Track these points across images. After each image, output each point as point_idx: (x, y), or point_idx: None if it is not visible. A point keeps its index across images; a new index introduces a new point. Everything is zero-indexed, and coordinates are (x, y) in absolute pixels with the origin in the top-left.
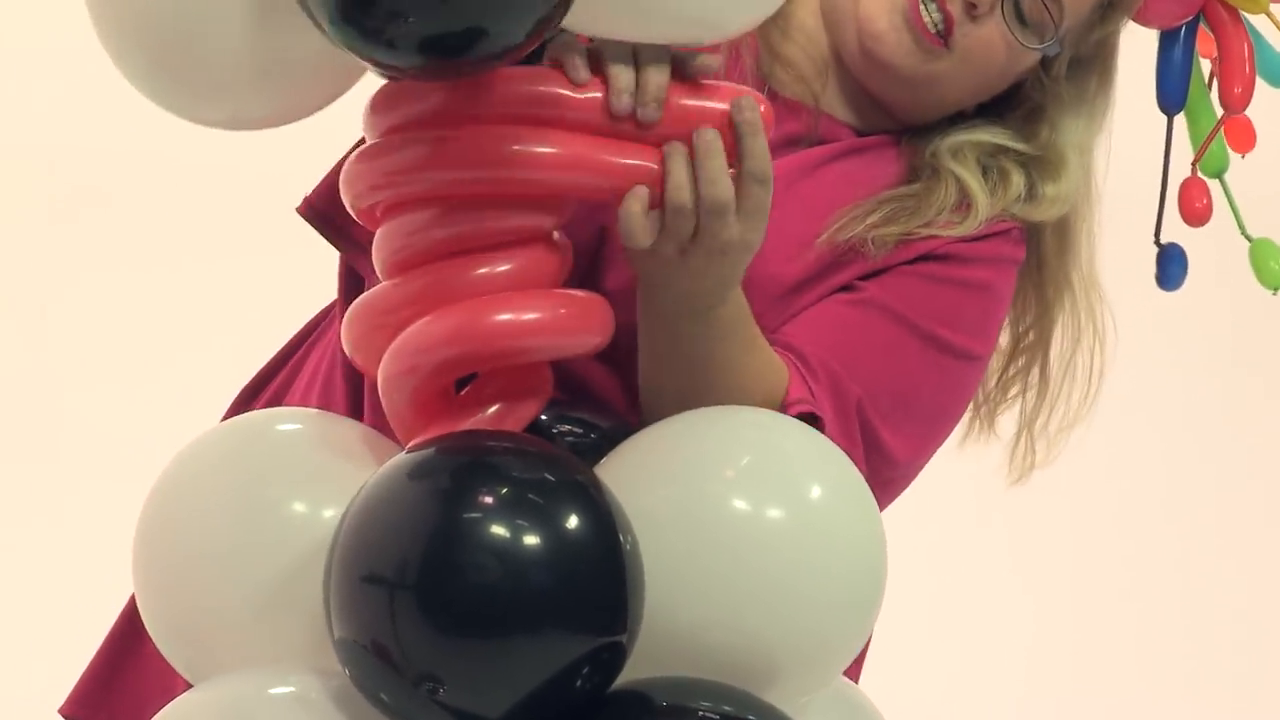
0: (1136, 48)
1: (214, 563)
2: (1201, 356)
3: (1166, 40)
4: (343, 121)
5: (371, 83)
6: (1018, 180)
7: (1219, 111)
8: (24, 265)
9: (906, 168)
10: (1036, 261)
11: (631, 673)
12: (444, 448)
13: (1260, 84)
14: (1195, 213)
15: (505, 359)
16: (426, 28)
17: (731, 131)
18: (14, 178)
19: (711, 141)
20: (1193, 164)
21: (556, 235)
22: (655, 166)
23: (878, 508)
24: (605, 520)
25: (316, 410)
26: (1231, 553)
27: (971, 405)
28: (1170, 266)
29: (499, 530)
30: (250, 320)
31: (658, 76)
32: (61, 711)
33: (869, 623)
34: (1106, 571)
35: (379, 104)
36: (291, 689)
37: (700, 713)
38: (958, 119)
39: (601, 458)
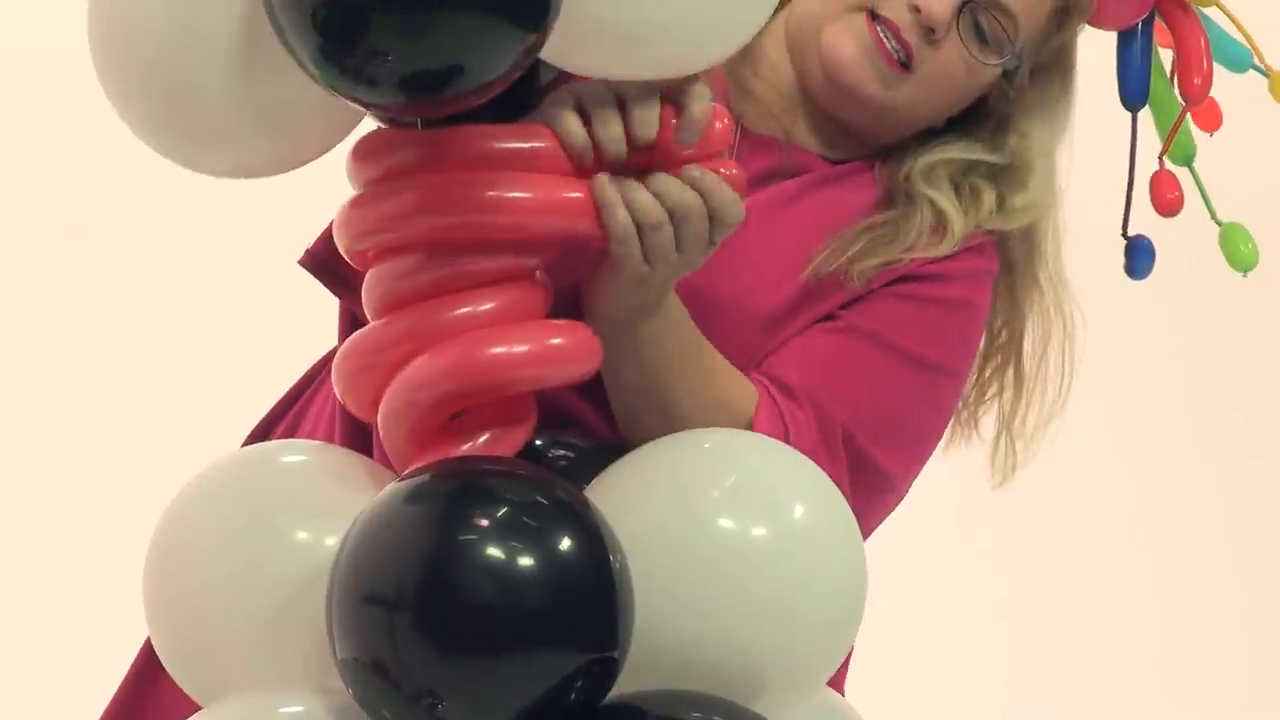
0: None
1: (221, 588)
2: (1177, 351)
3: (1124, 39)
4: None
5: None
6: (989, 197)
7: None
8: (43, 296)
9: (882, 193)
10: (1006, 264)
11: (624, 685)
12: (440, 472)
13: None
14: (1167, 204)
15: (499, 391)
16: (406, 65)
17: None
18: (36, 210)
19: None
20: (1160, 155)
21: (539, 274)
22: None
23: (858, 525)
24: (596, 540)
25: (319, 442)
26: (1208, 551)
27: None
28: (1138, 258)
29: (494, 551)
30: (265, 353)
31: (647, 115)
32: None
33: (851, 635)
34: (1086, 577)
35: (360, 153)
36: (298, 708)
37: None
38: (929, 136)
39: (591, 479)
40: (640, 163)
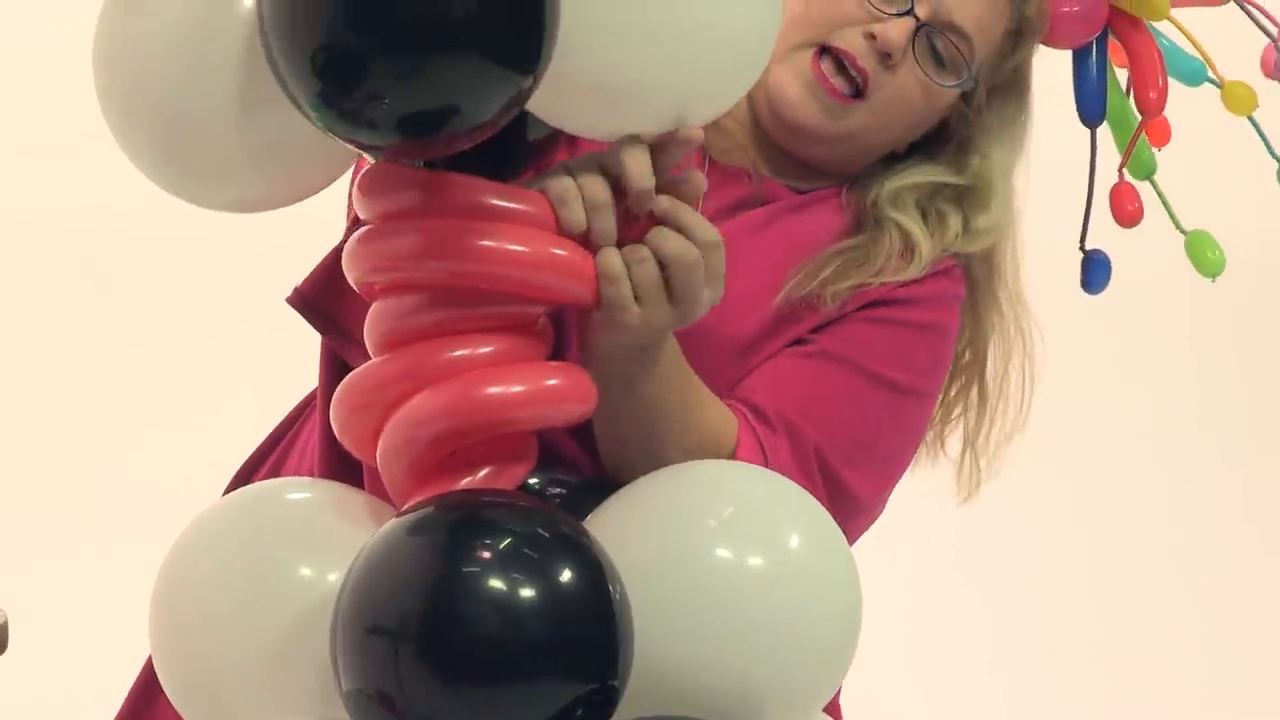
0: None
1: (226, 623)
2: (1148, 363)
3: (1079, 58)
4: None
5: None
6: (954, 220)
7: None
8: (59, 337)
9: (850, 219)
10: (969, 285)
11: (624, 713)
12: (441, 505)
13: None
14: (1128, 215)
15: (496, 430)
16: (402, 108)
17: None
18: (52, 253)
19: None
20: (1119, 168)
21: (541, 321)
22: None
23: (852, 554)
24: (596, 572)
25: (321, 479)
26: (1187, 559)
27: None
28: (1094, 271)
29: (496, 583)
30: (275, 388)
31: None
32: None
33: (847, 661)
34: (1078, 608)
35: (366, 187)
36: None
37: None
38: (893, 161)
39: (590, 512)
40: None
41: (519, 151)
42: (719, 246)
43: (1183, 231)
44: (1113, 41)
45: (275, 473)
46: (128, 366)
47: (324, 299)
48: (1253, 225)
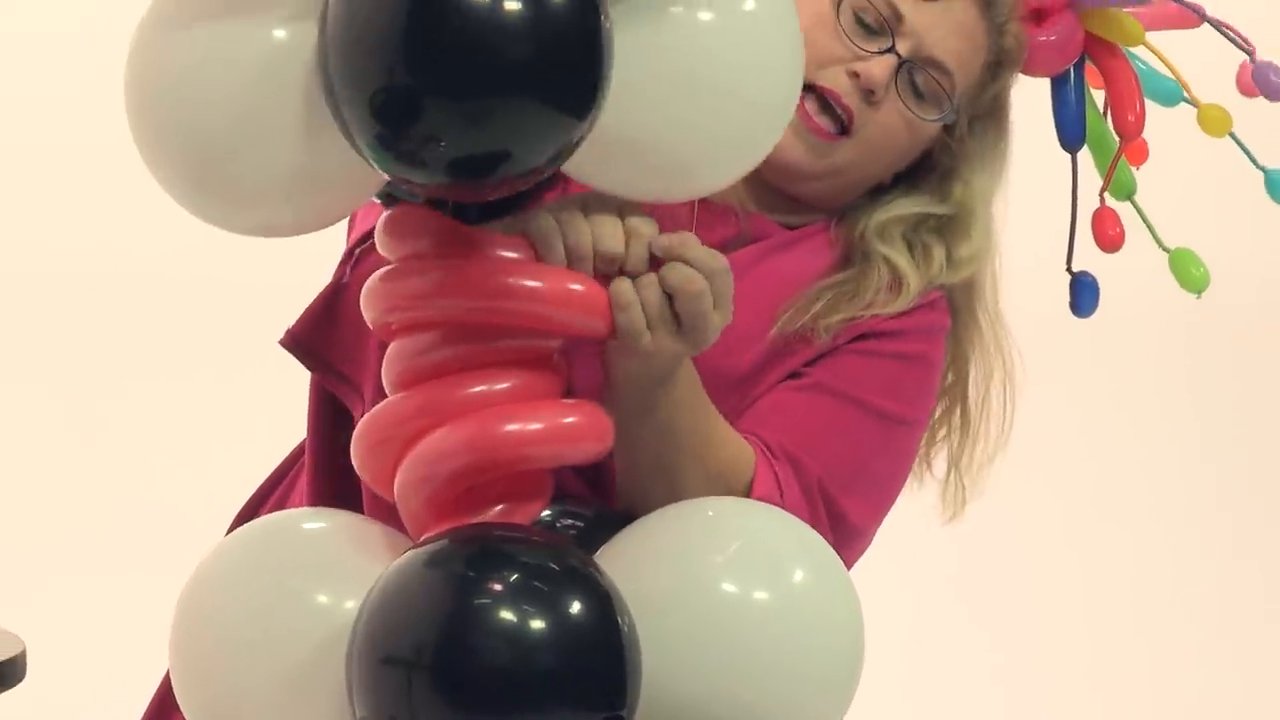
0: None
1: (246, 648)
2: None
3: (1057, 85)
4: None
5: None
6: (939, 253)
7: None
8: (77, 371)
9: (840, 254)
10: (951, 310)
11: None
12: (455, 538)
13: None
14: (1109, 239)
15: (513, 467)
16: (457, 150)
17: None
18: (74, 291)
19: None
20: (1100, 193)
21: (556, 356)
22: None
23: (854, 586)
24: (605, 604)
25: (338, 510)
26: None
27: None
28: (1083, 294)
29: (508, 615)
30: (282, 424)
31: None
32: None
33: (851, 691)
34: (1077, 643)
35: (390, 228)
36: None
37: None
38: (878, 192)
39: (601, 545)
40: None
41: (522, 197)
42: (725, 273)
43: (1165, 250)
44: (1089, 65)
45: (280, 508)
46: (145, 400)
47: (315, 339)
48: (1241, 240)
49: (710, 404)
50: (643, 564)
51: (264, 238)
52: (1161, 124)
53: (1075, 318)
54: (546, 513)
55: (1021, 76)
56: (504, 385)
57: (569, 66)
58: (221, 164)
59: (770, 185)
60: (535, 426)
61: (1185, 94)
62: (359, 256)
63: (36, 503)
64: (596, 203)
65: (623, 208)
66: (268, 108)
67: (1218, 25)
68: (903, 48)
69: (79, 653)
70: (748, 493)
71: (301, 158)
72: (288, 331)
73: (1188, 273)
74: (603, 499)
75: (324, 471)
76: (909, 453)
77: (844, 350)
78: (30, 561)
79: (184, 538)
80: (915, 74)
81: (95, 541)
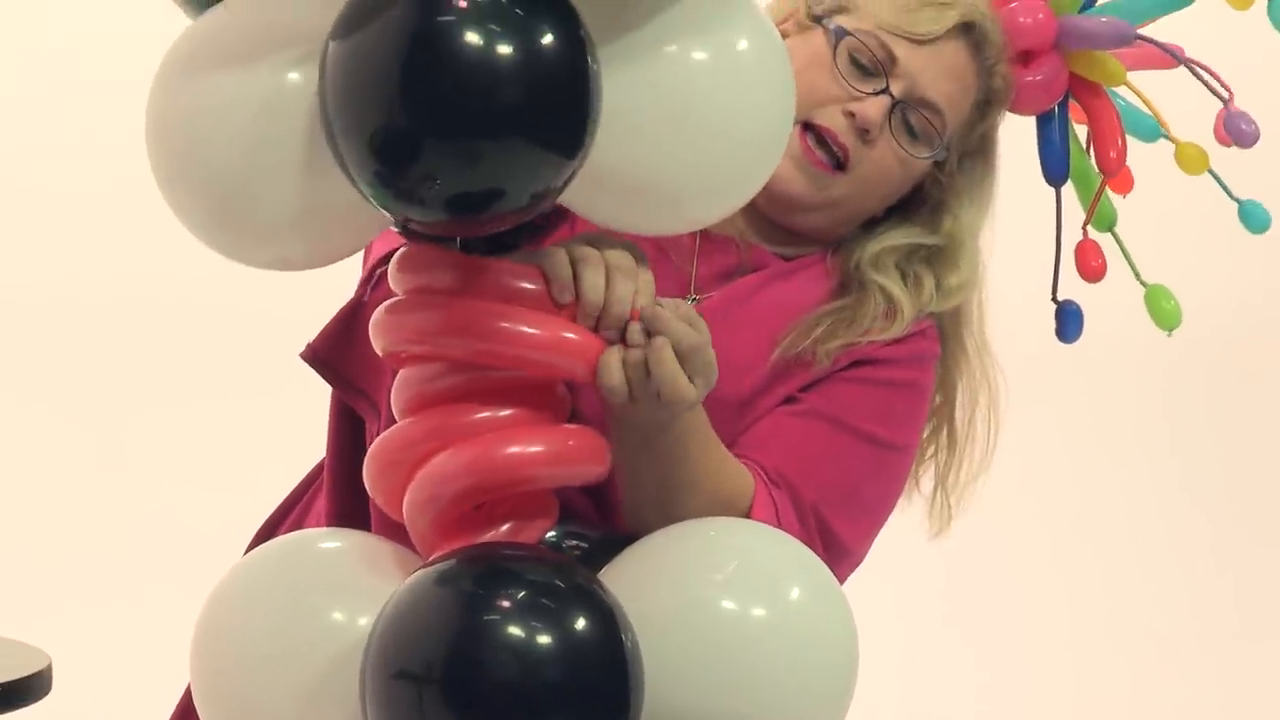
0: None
1: (264, 662)
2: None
3: (1043, 122)
4: None
5: None
6: (929, 282)
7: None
8: (100, 396)
9: (836, 283)
10: (940, 337)
11: None
12: (464, 557)
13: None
14: (1092, 270)
15: (515, 488)
16: (453, 188)
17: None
18: (95, 319)
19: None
20: (1084, 225)
21: (559, 387)
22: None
23: (848, 603)
24: (609, 621)
25: (353, 530)
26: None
27: None
28: (1068, 322)
29: (515, 631)
30: (300, 447)
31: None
32: None
33: (845, 705)
34: (1061, 673)
35: (403, 263)
36: None
37: None
38: (872, 224)
39: (604, 565)
40: None
41: (519, 232)
42: (699, 350)
43: (1143, 284)
44: (1072, 101)
45: (297, 528)
46: (168, 422)
47: (334, 355)
48: (1219, 267)
49: (712, 433)
50: (645, 582)
51: (278, 270)
52: (1144, 155)
53: (1060, 344)
54: (552, 534)
55: (1008, 113)
56: (508, 412)
57: (558, 108)
58: (234, 202)
59: (768, 218)
60: (535, 449)
61: (1166, 132)
62: (378, 279)
63: (63, 523)
64: (609, 248)
65: (632, 254)
66: (278, 148)
67: (1192, 68)
68: (896, 89)
69: (103, 667)
70: (746, 517)
71: (310, 195)
72: (308, 346)
73: (1161, 308)
74: (607, 518)
75: (342, 487)
76: (899, 476)
77: (839, 377)
78: (56, 579)
79: (204, 556)
80: (908, 114)
81: (119, 559)
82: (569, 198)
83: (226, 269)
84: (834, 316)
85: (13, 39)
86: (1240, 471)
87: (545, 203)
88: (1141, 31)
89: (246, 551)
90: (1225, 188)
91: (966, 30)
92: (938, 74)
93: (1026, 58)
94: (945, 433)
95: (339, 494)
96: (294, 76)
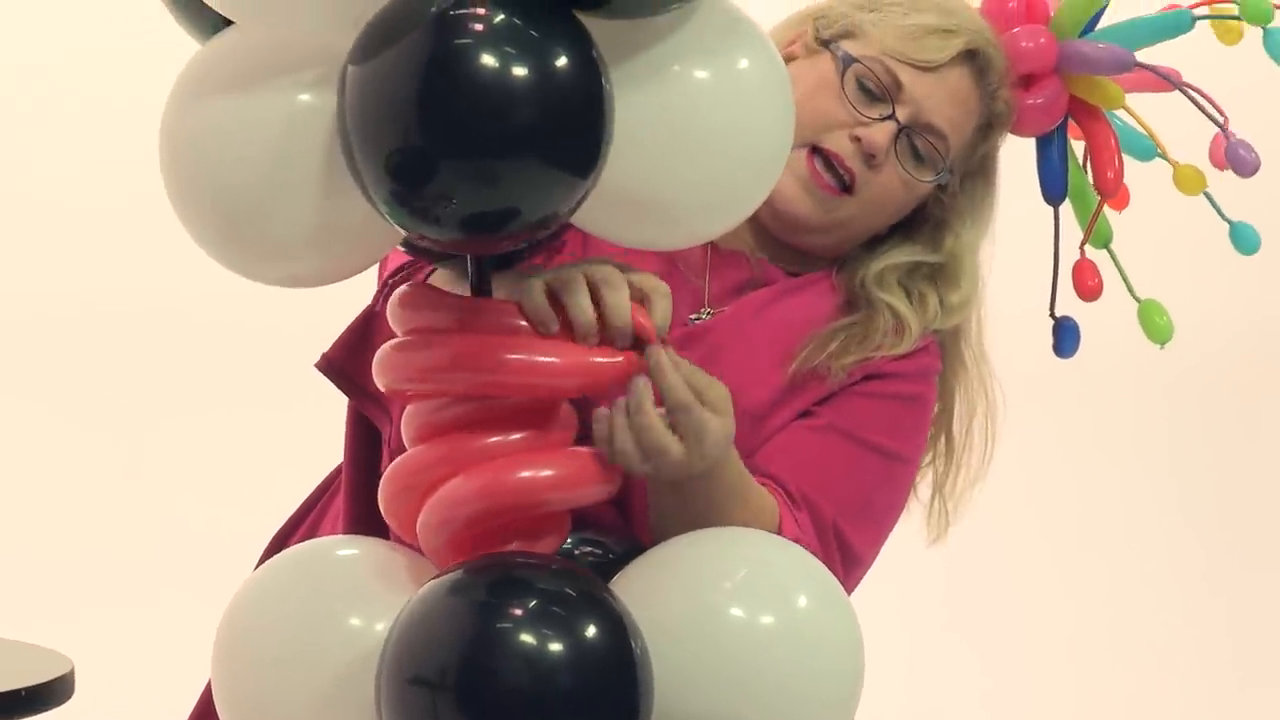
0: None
1: (282, 668)
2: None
3: (1042, 143)
4: None
5: None
6: (933, 300)
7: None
8: (121, 405)
9: (842, 299)
10: (940, 350)
11: None
12: (477, 567)
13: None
14: (1089, 289)
15: (526, 510)
16: (468, 207)
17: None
18: (118, 325)
19: (641, 394)
20: (1081, 245)
21: (565, 407)
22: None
23: (855, 612)
24: (619, 628)
25: (370, 538)
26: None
27: None
28: (1065, 337)
29: (527, 638)
30: (315, 455)
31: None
32: None
33: (851, 710)
34: (1064, 682)
35: (406, 301)
36: None
37: None
38: (874, 241)
39: (615, 574)
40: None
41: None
42: (687, 409)
43: (1136, 299)
44: (1070, 122)
45: (311, 535)
46: (188, 431)
47: (348, 363)
48: (1216, 286)
49: (739, 462)
50: (655, 589)
51: (290, 287)
52: (1143, 173)
53: (1058, 358)
54: (567, 541)
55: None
56: (518, 435)
57: (573, 129)
58: (248, 220)
59: (776, 237)
60: (546, 474)
61: (1162, 154)
62: (391, 290)
63: (85, 529)
64: (590, 264)
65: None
66: (291, 167)
67: (1187, 93)
68: (902, 115)
69: (125, 672)
70: None
71: (324, 214)
72: (323, 356)
73: (1154, 323)
74: (630, 522)
75: (360, 494)
76: (906, 486)
77: (852, 391)
78: (79, 584)
79: (223, 562)
80: (914, 139)
81: (140, 565)
82: (575, 213)
83: (245, 282)
84: (847, 332)
85: (42, 54)
86: (1237, 484)
87: (558, 221)
88: (1138, 56)
89: (261, 560)
90: (1218, 209)
91: (970, 57)
92: (942, 100)
93: (1028, 81)
94: (943, 441)
95: (356, 500)
96: (307, 98)
